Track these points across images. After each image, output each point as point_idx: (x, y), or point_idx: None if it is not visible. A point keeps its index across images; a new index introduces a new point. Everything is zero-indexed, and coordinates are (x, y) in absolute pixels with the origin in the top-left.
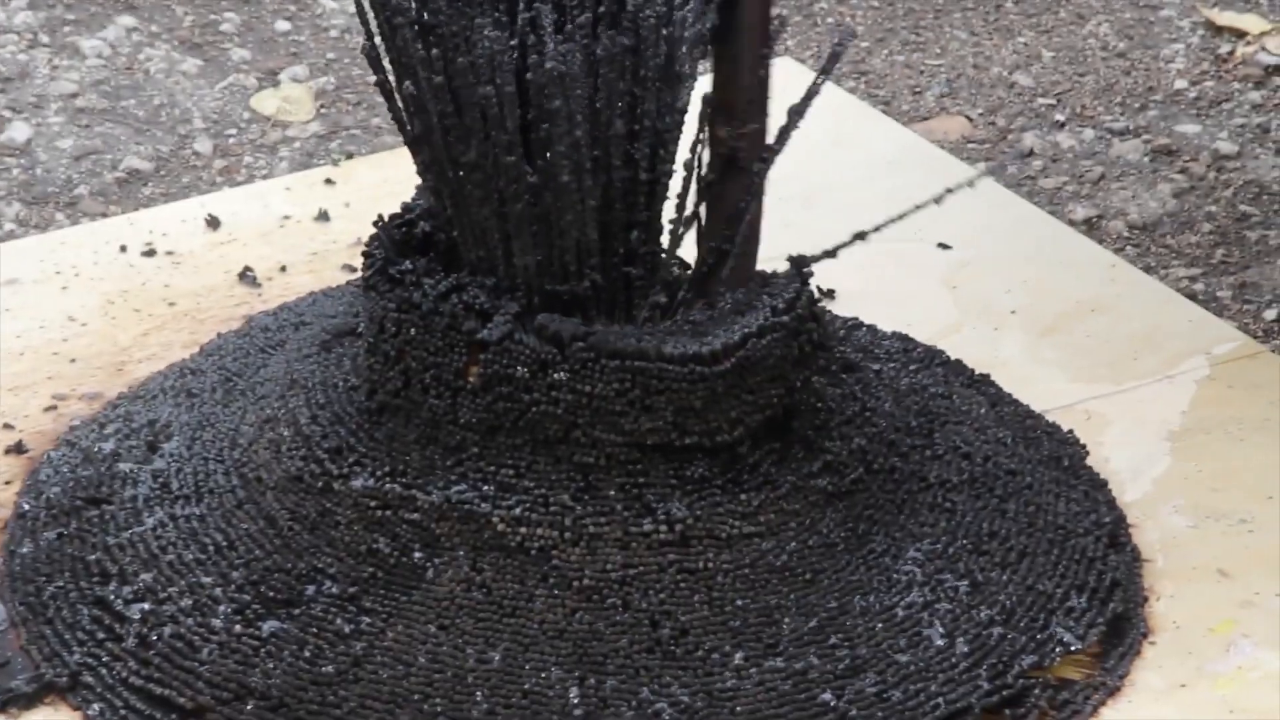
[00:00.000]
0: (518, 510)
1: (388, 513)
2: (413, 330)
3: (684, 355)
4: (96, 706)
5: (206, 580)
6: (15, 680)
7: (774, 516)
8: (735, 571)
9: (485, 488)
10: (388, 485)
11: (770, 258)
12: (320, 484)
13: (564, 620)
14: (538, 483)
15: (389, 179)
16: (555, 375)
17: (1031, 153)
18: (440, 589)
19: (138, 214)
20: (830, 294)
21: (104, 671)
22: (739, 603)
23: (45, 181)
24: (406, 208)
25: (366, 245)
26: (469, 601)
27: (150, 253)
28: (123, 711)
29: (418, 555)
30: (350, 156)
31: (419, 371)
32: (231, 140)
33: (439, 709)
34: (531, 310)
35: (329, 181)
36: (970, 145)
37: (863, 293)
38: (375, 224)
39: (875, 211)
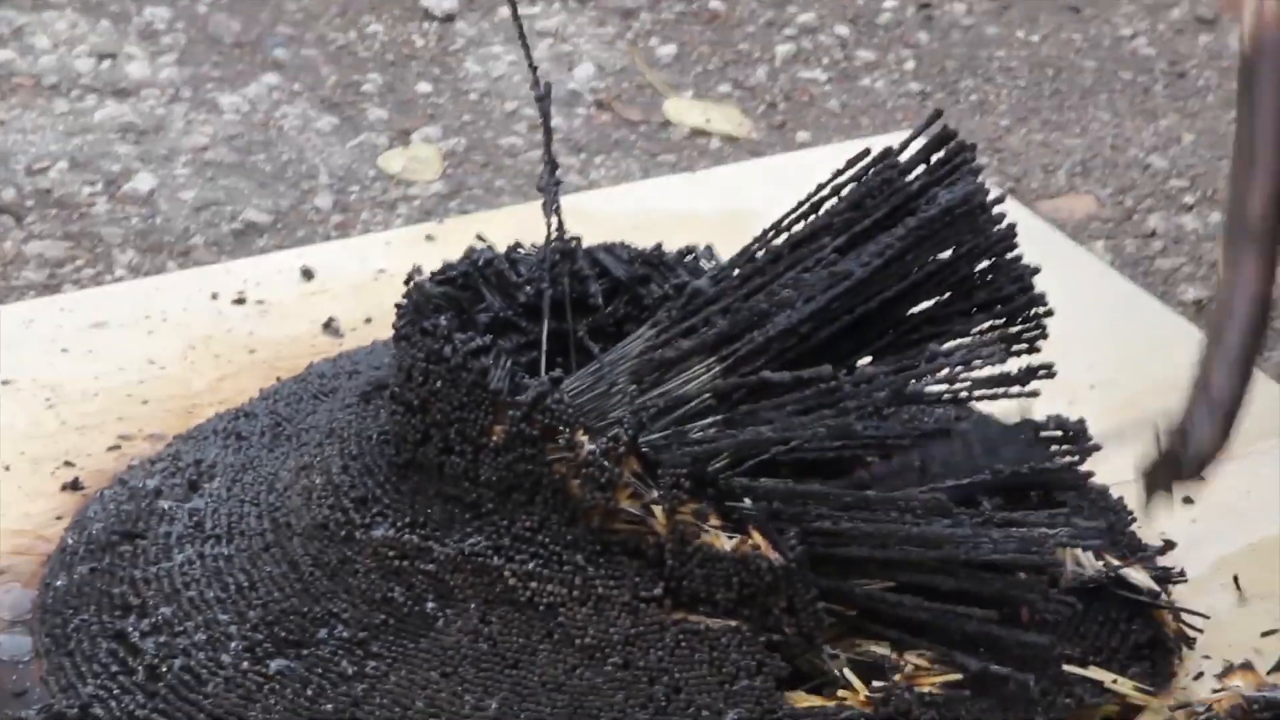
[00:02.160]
0: (530, 566)
1: (404, 563)
2: (439, 383)
3: None
4: None
5: (223, 618)
6: (27, 710)
7: None
8: (742, 634)
9: (501, 541)
10: (406, 536)
11: None
12: (344, 532)
13: (564, 675)
14: (553, 540)
15: (488, 238)
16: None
17: (1154, 233)
18: (448, 638)
19: (235, 263)
20: None
21: (113, 704)
22: (740, 664)
23: (162, 230)
24: (448, 265)
25: (402, 296)
26: (473, 652)
27: (240, 300)
28: None
29: (430, 605)
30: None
31: (442, 425)
32: (353, 197)
33: None
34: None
35: (429, 238)
36: (1094, 224)
37: None
38: (408, 279)
39: None
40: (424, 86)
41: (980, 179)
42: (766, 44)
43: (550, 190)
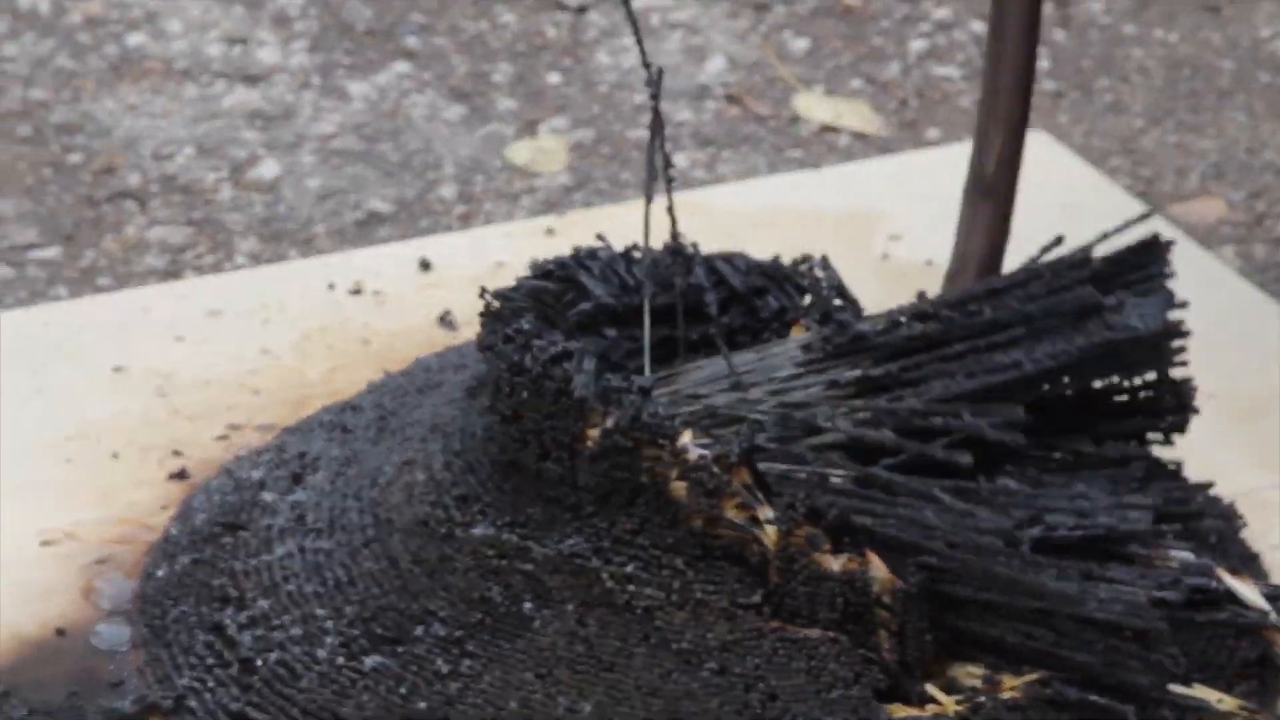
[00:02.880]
0: (629, 569)
1: (503, 562)
2: (525, 394)
3: None
4: None
5: (320, 612)
6: (122, 701)
7: None
8: (841, 644)
9: (600, 544)
10: (506, 535)
11: None
12: (444, 530)
13: (659, 680)
14: (653, 543)
15: (609, 232)
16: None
17: None
18: (544, 639)
19: (354, 253)
20: None
21: (208, 696)
22: (838, 674)
23: (285, 219)
24: (546, 261)
25: (485, 303)
26: (569, 654)
27: (357, 291)
28: None
29: (528, 606)
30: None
31: (535, 433)
32: (477, 188)
33: None
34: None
35: (550, 231)
36: (1224, 227)
37: None
38: (482, 292)
39: None
40: (554, 78)
41: (1173, 298)
42: (900, 40)
43: (650, 184)
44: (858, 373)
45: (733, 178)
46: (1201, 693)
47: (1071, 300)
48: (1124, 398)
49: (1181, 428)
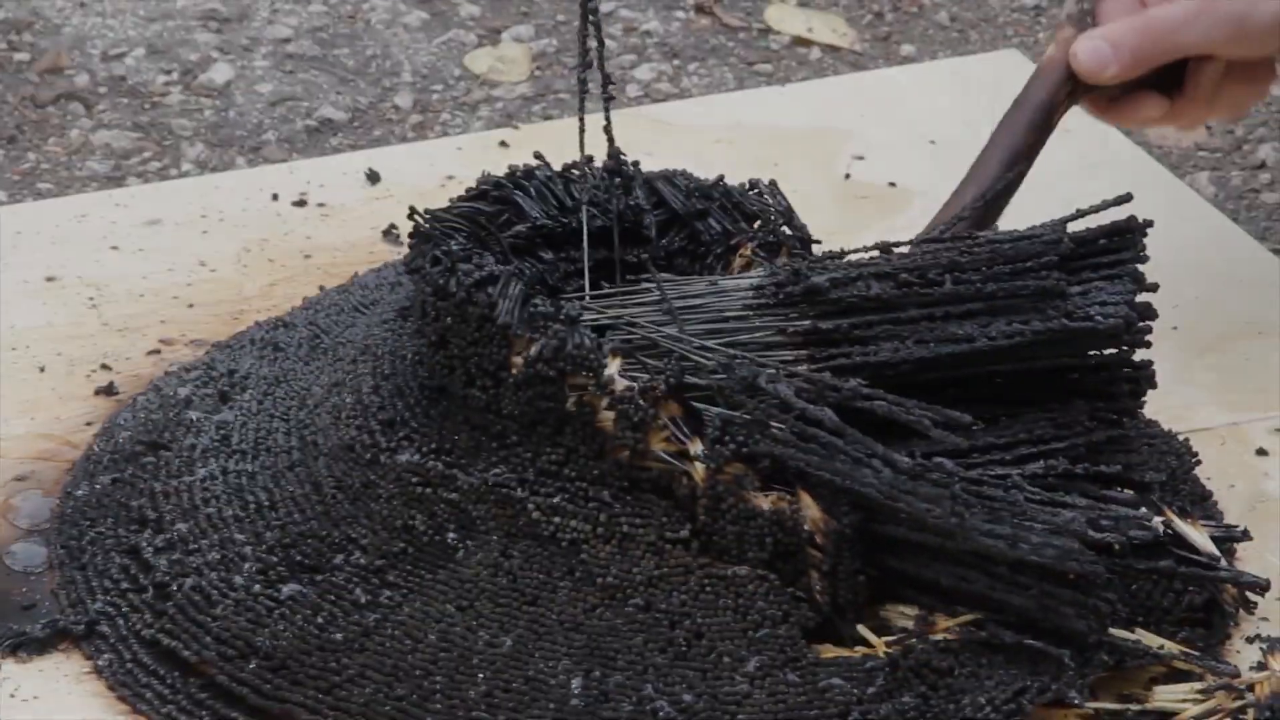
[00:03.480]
0: (556, 500)
1: (428, 490)
2: (449, 319)
3: None
4: (106, 657)
5: (240, 537)
6: (32, 625)
7: None
8: (770, 582)
9: (526, 474)
10: (432, 462)
11: None
12: (369, 455)
13: (583, 614)
14: (579, 475)
15: (566, 146)
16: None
17: (1263, 165)
18: (467, 570)
19: (299, 163)
20: None
21: (120, 622)
22: (766, 612)
23: (235, 125)
24: (480, 180)
25: (414, 223)
26: (492, 586)
27: (301, 203)
28: (129, 665)
29: (451, 536)
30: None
31: (461, 359)
32: (435, 97)
33: (438, 686)
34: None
35: (503, 144)
36: (1200, 154)
37: None
38: (412, 212)
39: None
40: None
41: (1137, 291)
42: None
43: (582, 98)
44: (807, 323)
45: (698, 92)
46: (1144, 638)
47: (1034, 283)
48: (1076, 376)
49: (1133, 412)
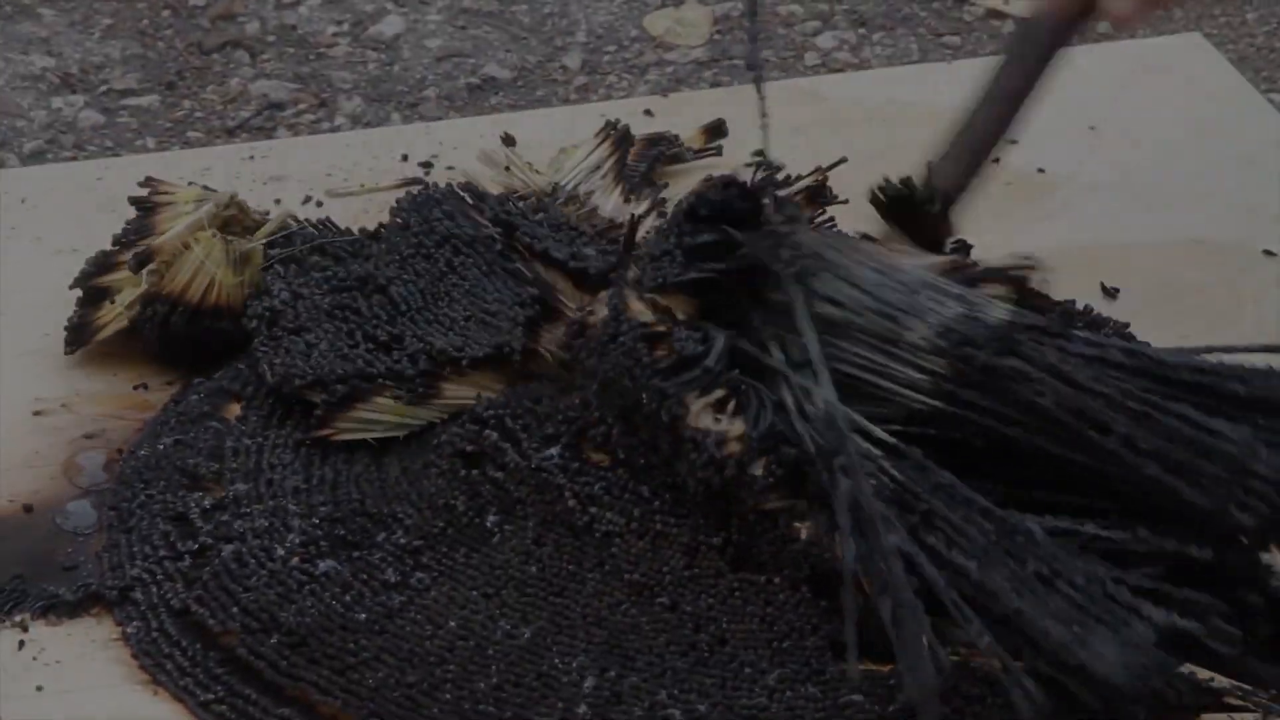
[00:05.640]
0: (594, 489)
1: (474, 472)
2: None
3: None
4: (135, 625)
5: (292, 508)
6: (63, 588)
7: None
8: (799, 593)
9: (571, 462)
10: (486, 431)
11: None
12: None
13: (607, 609)
14: (624, 466)
15: (706, 118)
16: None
17: None
18: (499, 556)
19: (437, 124)
20: (1114, 293)
21: (154, 589)
22: (795, 624)
23: (397, 79)
24: None
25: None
26: (520, 574)
27: (428, 165)
28: (154, 634)
29: (492, 519)
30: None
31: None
32: (606, 58)
33: (449, 675)
34: None
35: (648, 113)
36: None
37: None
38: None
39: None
40: None
41: None
42: None
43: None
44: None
45: (878, 63)
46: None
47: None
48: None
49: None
